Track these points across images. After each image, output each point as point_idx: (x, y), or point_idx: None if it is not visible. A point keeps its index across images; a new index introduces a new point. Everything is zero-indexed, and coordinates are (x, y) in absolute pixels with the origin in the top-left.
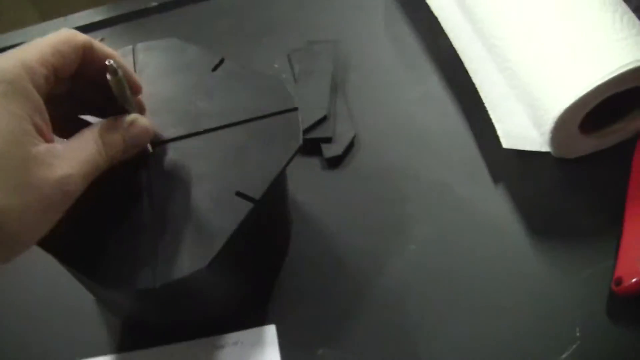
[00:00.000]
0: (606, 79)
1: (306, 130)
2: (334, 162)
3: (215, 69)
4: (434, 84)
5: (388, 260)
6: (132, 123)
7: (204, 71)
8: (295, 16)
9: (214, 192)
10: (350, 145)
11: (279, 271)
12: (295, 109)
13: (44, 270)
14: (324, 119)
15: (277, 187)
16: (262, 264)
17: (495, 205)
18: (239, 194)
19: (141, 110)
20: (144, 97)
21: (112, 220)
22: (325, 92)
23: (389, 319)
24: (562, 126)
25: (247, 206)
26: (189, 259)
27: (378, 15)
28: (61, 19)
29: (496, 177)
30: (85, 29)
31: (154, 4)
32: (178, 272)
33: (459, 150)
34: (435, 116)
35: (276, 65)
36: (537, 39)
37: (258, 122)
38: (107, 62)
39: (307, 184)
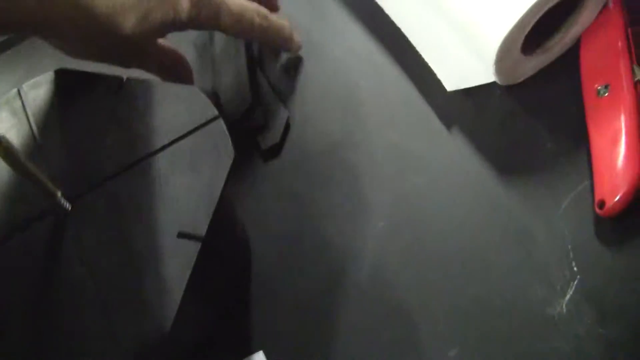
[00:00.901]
0: None
1: (234, 124)
2: (274, 152)
3: (117, 92)
4: (357, 38)
5: (359, 245)
6: None
7: (105, 97)
8: None
9: (154, 239)
10: (287, 129)
11: (247, 291)
12: (218, 117)
13: None
14: (251, 108)
15: (222, 211)
16: (227, 291)
17: (454, 154)
18: (181, 234)
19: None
20: (43, 149)
21: (47, 304)
22: (243, 75)
23: (378, 306)
24: (506, 52)
25: (194, 247)
26: (148, 327)
27: None
28: None
29: (448, 123)
30: None
31: None
32: (139, 346)
33: (402, 105)
34: (367, 73)
35: None
36: None
37: (180, 143)
38: None
39: (250, 184)
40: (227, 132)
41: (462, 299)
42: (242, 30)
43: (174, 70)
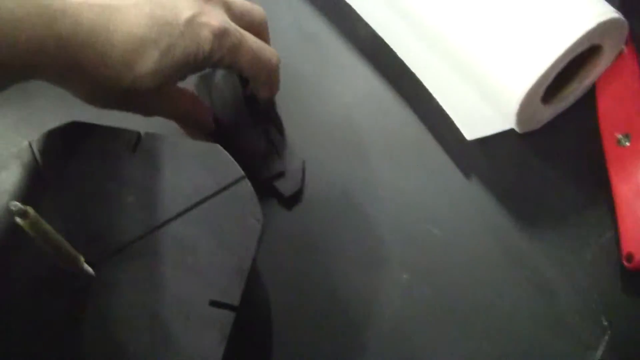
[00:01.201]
0: (569, 44)
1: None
2: (294, 199)
3: (134, 149)
4: (366, 81)
5: (380, 298)
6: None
7: (122, 155)
8: None
9: (182, 308)
10: (304, 173)
11: (270, 350)
12: (243, 177)
13: None
14: (268, 155)
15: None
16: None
17: (473, 204)
18: (214, 303)
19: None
20: (59, 209)
21: None
22: (248, 119)
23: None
24: (527, 104)
25: (228, 317)
26: None
27: (281, 14)
28: None
29: (466, 172)
30: None
31: None
32: None
33: (417, 152)
34: (379, 119)
35: None
36: (481, 15)
37: (204, 205)
38: (11, 206)
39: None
40: (254, 194)
41: (483, 354)
42: (257, 70)
43: (197, 118)
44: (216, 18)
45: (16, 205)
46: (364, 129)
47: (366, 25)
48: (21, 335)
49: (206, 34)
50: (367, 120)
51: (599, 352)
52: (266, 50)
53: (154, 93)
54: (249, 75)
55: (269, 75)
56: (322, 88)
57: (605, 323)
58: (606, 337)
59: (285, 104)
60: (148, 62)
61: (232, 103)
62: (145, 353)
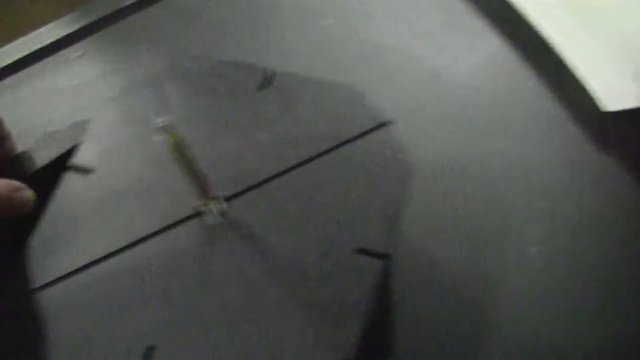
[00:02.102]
0: None
1: None
2: None
3: (267, 85)
4: (493, 47)
5: (509, 273)
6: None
7: (249, 92)
8: None
9: (324, 253)
10: None
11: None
12: (389, 122)
13: None
14: None
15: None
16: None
17: (605, 178)
18: (361, 250)
19: None
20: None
21: (196, 323)
22: None
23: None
24: None
25: (376, 265)
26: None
27: None
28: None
29: (598, 145)
30: (57, 45)
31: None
32: None
33: (550, 124)
34: (504, 87)
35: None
36: None
37: (343, 148)
38: (157, 122)
39: None
40: (400, 140)
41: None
42: None
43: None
44: None
45: (163, 121)
46: (484, 97)
47: None
48: (151, 271)
49: None
50: (487, 88)
51: None
52: None
53: None
54: None
55: None
56: (444, 52)
57: None
58: None
59: (401, 69)
60: None
61: None
62: (282, 299)
